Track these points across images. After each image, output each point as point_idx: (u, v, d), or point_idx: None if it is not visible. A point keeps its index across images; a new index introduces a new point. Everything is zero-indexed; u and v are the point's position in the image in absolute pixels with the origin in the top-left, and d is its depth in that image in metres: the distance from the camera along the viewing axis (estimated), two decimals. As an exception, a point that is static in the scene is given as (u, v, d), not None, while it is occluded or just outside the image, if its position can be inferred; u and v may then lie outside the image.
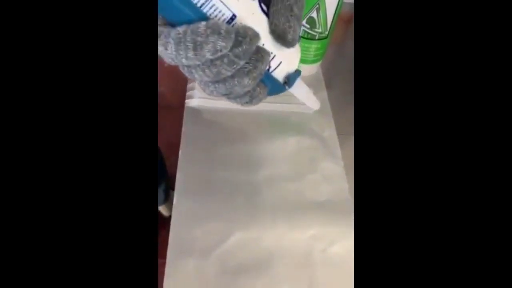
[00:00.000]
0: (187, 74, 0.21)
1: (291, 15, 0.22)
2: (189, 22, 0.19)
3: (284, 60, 0.25)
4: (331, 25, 0.35)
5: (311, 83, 0.39)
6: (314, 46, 0.37)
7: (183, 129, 0.34)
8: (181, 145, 0.32)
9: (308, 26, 0.35)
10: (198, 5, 0.19)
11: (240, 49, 0.19)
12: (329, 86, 0.40)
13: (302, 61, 0.38)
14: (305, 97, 0.30)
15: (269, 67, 0.24)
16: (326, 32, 0.36)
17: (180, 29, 0.19)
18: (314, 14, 0.34)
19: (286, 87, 0.26)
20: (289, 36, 0.22)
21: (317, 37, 0.36)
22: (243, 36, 0.19)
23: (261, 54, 0.21)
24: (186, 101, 0.36)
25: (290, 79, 0.26)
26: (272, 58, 0.24)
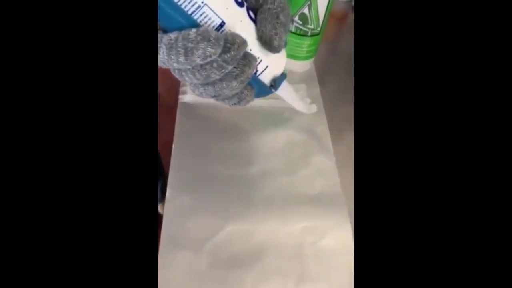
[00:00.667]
0: (177, 77, 0.22)
1: (277, 23, 0.23)
2: (181, 28, 0.20)
3: (270, 64, 0.26)
4: (323, 21, 0.36)
5: (304, 79, 0.40)
6: (306, 42, 0.37)
7: (176, 124, 0.34)
8: (174, 140, 0.33)
9: (300, 22, 0.35)
10: (189, 12, 0.20)
11: (228, 55, 0.20)
12: (322, 82, 0.40)
13: (295, 57, 0.39)
14: (292, 100, 0.32)
15: (256, 70, 0.25)
16: (318, 29, 0.36)
17: (172, 35, 0.20)
18: (306, 11, 0.34)
19: (273, 89, 0.28)
20: (275, 43, 0.23)
21: (309, 34, 0.36)
22: (231, 43, 0.20)
23: (248, 60, 0.22)
24: (180, 96, 0.36)
25: (276, 82, 0.27)
26: (259, 63, 0.25)
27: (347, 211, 0.30)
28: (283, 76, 0.28)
